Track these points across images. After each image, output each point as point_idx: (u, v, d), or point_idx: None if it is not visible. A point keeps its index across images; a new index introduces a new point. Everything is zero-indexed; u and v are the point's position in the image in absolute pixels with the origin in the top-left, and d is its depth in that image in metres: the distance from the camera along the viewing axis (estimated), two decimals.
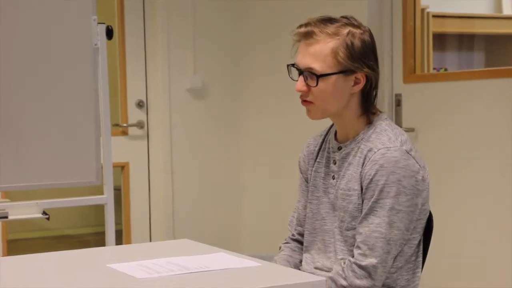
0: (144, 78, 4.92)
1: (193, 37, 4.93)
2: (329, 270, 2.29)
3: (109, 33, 3.42)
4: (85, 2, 3.37)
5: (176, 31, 4.89)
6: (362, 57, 2.24)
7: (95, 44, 3.39)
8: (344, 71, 2.24)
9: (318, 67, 2.24)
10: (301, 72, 2.28)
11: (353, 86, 2.26)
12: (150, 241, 4.92)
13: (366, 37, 2.27)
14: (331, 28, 2.25)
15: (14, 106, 3.29)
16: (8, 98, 3.27)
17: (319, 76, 2.24)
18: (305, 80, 2.27)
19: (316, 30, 2.25)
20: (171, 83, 4.89)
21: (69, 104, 3.38)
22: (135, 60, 4.90)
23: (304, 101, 2.30)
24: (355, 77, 2.26)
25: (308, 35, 2.26)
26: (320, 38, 2.24)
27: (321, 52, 2.24)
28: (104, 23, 3.41)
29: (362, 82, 2.26)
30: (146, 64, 4.91)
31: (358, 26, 2.28)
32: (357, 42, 2.24)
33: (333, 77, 2.24)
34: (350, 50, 2.23)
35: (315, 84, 2.25)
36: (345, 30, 2.25)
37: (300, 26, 2.29)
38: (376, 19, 4.11)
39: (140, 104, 4.91)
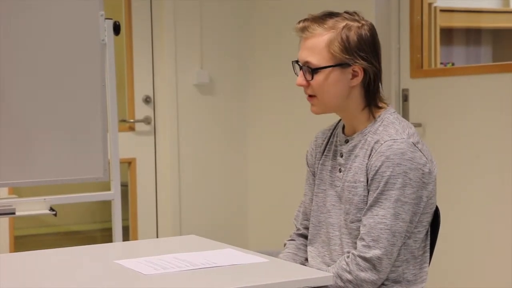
0: (151, 74, 4.92)
1: (200, 32, 4.93)
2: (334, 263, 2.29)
3: (117, 29, 3.42)
4: None
5: (183, 26, 4.88)
6: (357, 50, 2.24)
7: (103, 40, 3.39)
8: (340, 64, 2.25)
9: (314, 60, 2.26)
10: (300, 66, 2.31)
11: (351, 79, 2.27)
12: (157, 237, 4.92)
13: (364, 31, 2.26)
14: (329, 23, 2.26)
15: (21, 102, 3.29)
16: (16, 94, 3.28)
17: (313, 70, 2.26)
18: (304, 74, 2.29)
19: (313, 24, 2.27)
20: (178, 78, 4.89)
21: (76, 100, 3.38)
22: (142, 55, 4.90)
23: (308, 97, 2.32)
24: (352, 70, 2.26)
25: (305, 30, 2.28)
26: (316, 32, 2.26)
27: (316, 45, 2.26)
28: (111, 19, 3.41)
29: (360, 75, 2.26)
30: (153, 60, 4.91)
31: (358, 20, 2.28)
32: (352, 36, 2.24)
33: (329, 70, 2.25)
34: (344, 43, 2.24)
35: (311, 78, 2.27)
36: (342, 24, 2.26)
37: (299, 21, 2.31)
38: (383, 14, 4.10)
39: (147, 100, 4.91)
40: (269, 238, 4.84)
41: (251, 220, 5.07)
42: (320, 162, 2.41)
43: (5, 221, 4.53)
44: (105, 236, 5.17)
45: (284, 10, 4.68)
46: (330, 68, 2.25)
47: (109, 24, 3.40)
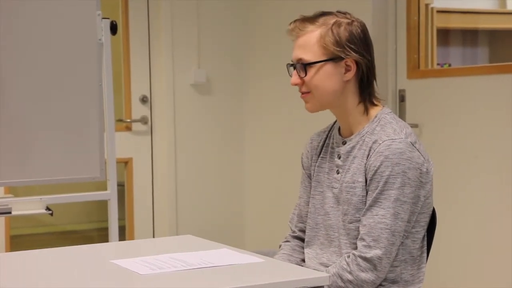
0: (148, 73, 4.91)
1: (198, 32, 4.92)
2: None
3: (114, 28, 3.42)
4: None
5: (180, 26, 4.88)
6: (348, 44, 2.25)
7: (99, 40, 3.39)
8: (332, 59, 2.26)
9: (306, 56, 2.27)
10: (294, 65, 2.32)
11: (345, 73, 2.27)
12: (153, 237, 4.92)
13: (355, 27, 2.28)
14: (320, 20, 2.28)
15: (18, 101, 3.29)
16: (13, 93, 3.27)
17: (306, 65, 2.27)
18: (298, 72, 2.30)
19: (304, 23, 2.29)
20: (175, 78, 4.89)
21: (73, 99, 3.38)
22: (139, 55, 4.90)
23: (302, 94, 2.33)
24: (345, 64, 2.27)
25: (296, 29, 2.30)
26: (308, 29, 2.28)
27: (308, 42, 2.27)
28: (108, 18, 3.40)
29: (353, 68, 2.27)
30: (150, 59, 4.91)
31: (348, 18, 2.30)
32: (343, 30, 2.26)
33: (321, 64, 2.27)
34: (335, 37, 2.25)
35: (304, 74, 2.28)
36: (332, 20, 2.28)
37: (290, 23, 2.32)
38: (380, 15, 4.10)
39: (144, 100, 4.91)
40: (266, 239, 4.84)
41: (248, 220, 5.07)
42: (317, 164, 2.41)
43: (1, 220, 4.53)
44: (102, 235, 5.16)
45: (282, 9, 4.68)
46: (323, 63, 2.26)
47: (106, 24, 3.40)
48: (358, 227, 2.24)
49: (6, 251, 4.53)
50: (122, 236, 4.49)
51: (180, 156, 4.91)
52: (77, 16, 3.38)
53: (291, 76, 2.34)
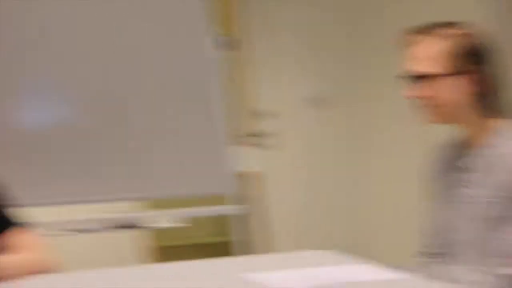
0: (274, 87, 4.95)
1: (314, 46, 4.93)
2: (474, 283, 2.22)
3: (229, 44, 3.47)
4: (204, 14, 3.44)
5: (300, 40, 4.91)
6: (471, 57, 2.22)
7: (215, 55, 3.43)
8: (454, 72, 2.22)
9: (427, 69, 2.23)
10: (411, 77, 2.27)
11: (465, 86, 2.23)
12: (283, 251, 4.95)
13: (476, 39, 2.24)
14: (438, 31, 2.25)
15: (143, 117, 3.41)
16: (135, 111, 3.38)
17: (428, 78, 2.23)
18: (416, 85, 2.26)
19: (421, 34, 2.26)
20: (300, 92, 4.94)
21: (198, 115, 3.47)
22: (263, 69, 4.93)
23: (421, 107, 2.29)
24: (467, 78, 2.22)
25: (413, 40, 2.27)
26: (426, 41, 2.24)
27: (426, 54, 2.24)
28: (224, 34, 3.46)
29: (474, 81, 2.23)
30: (275, 73, 4.94)
31: (468, 29, 2.26)
32: (465, 44, 2.22)
33: (441, 77, 2.23)
34: (458, 50, 2.21)
35: (425, 87, 2.24)
36: (453, 32, 2.24)
37: (405, 33, 2.30)
38: (504, 23, 4.00)
39: (269, 114, 4.94)
40: (393, 254, 4.79)
41: (374, 236, 5.02)
42: (443, 177, 2.39)
43: (144, 232, 4.66)
44: (231, 249, 5.24)
45: (397, 19, 4.63)
46: (445, 77, 2.23)
47: (222, 39, 3.48)
48: (491, 243, 2.19)
49: (153, 262, 4.66)
50: (251, 251, 4.53)
51: (308, 170, 4.93)
52: (193, 32, 3.46)
53: (403, 86, 2.30)
